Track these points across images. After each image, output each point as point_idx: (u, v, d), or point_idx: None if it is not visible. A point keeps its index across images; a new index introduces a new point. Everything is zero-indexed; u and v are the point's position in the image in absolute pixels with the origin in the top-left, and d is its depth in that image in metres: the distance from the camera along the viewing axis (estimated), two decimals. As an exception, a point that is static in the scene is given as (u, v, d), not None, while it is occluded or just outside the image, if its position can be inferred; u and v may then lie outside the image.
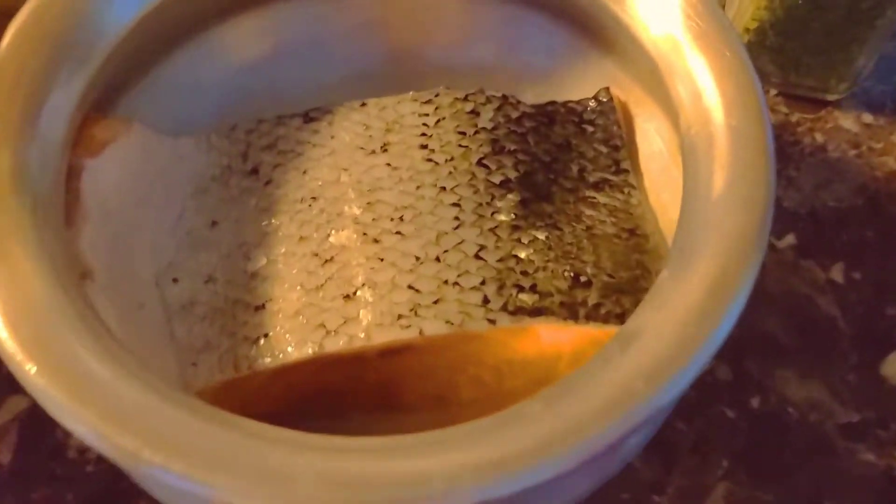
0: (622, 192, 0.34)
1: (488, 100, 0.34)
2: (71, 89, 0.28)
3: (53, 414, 0.23)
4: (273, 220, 0.32)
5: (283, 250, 0.32)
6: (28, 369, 0.23)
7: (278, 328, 0.30)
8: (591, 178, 0.34)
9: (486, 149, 0.33)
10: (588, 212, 0.33)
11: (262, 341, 0.30)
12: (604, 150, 0.35)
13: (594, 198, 0.34)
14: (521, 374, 0.32)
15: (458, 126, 0.34)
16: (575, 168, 0.34)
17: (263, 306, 0.31)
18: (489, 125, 0.34)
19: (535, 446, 0.22)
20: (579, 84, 0.36)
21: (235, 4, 0.35)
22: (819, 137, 0.41)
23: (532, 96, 0.36)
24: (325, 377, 0.31)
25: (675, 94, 0.29)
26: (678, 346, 0.23)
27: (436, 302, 0.29)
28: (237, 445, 0.23)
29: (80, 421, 0.22)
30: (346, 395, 0.32)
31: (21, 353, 0.23)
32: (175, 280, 0.32)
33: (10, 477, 0.33)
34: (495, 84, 0.35)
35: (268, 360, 0.30)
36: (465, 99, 0.34)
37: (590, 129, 0.35)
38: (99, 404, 0.23)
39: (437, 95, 0.34)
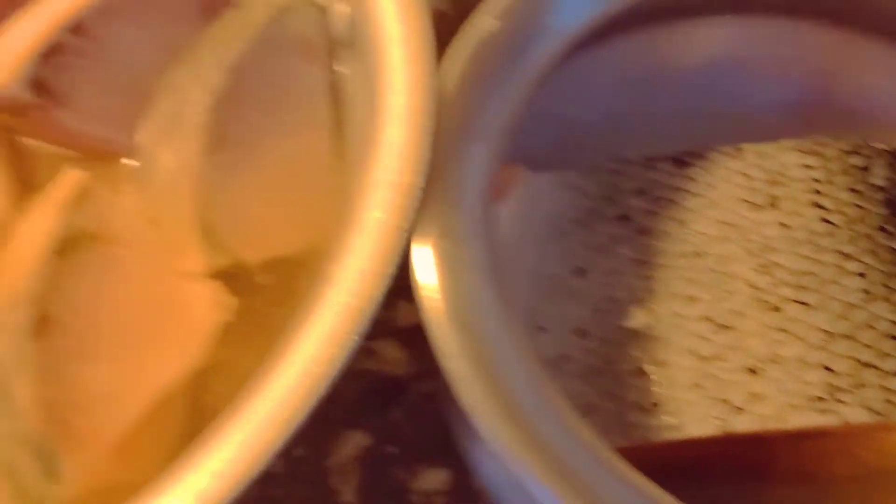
0: None
1: (878, 154, 0.32)
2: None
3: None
4: (654, 275, 0.30)
5: (668, 310, 0.30)
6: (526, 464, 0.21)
7: (673, 398, 0.28)
8: None
9: (884, 210, 0.30)
10: None
11: (656, 411, 0.28)
12: None
13: None
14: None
15: (849, 183, 0.31)
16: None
17: (649, 371, 0.29)
18: (883, 183, 0.31)
19: None
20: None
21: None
22: None
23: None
24: (714, 453, 0.29)
25: None
26: None
27: (856, 386, 0.27)
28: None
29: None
30: (718, 465, 0.30)
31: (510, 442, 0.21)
32: (541, 328, 0.30)
33: (355, 518, 0.32)
34: (877, 133, 0.32)
35: (665, 431, 0.28)
36: (854, 152, 0.32)
37: None
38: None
39: (820, 145, 0.32)
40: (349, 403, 0.33)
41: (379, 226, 0.24)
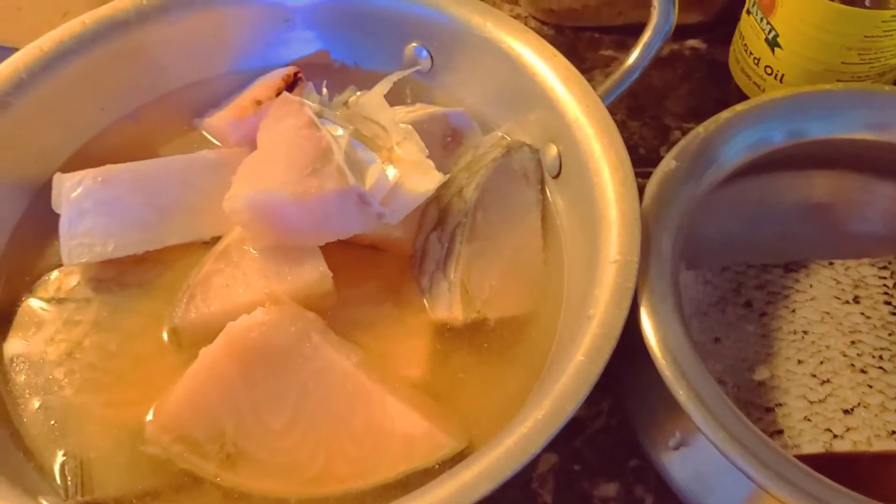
0: None
1: (921, 268, 0.45)
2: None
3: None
4: (771, 344, 0.43)
5: (783, 369, 0.42)
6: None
7: (791, 427, 0.40)
8: None
9: (928, 306, 0.43)
10: None
11: (777, 435, 0.40)
12: None
13: None
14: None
15: (907, 288, 0.44)
16: None
17: (774, 409, 0.41)
18: (927, 288, 0.44)
19: None
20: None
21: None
22: None
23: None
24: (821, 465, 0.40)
25: None
26: None
27: (921, 425, 0.39)
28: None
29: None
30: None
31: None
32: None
33: (549, 513, 0.43)
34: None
35: (787, 450, 0.39)
36: (911, 267, 0.45)
37: None
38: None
39: (889, 262, 0.45)
40: (542, 431, 0.45)
41: (616, 291, 0.37)
